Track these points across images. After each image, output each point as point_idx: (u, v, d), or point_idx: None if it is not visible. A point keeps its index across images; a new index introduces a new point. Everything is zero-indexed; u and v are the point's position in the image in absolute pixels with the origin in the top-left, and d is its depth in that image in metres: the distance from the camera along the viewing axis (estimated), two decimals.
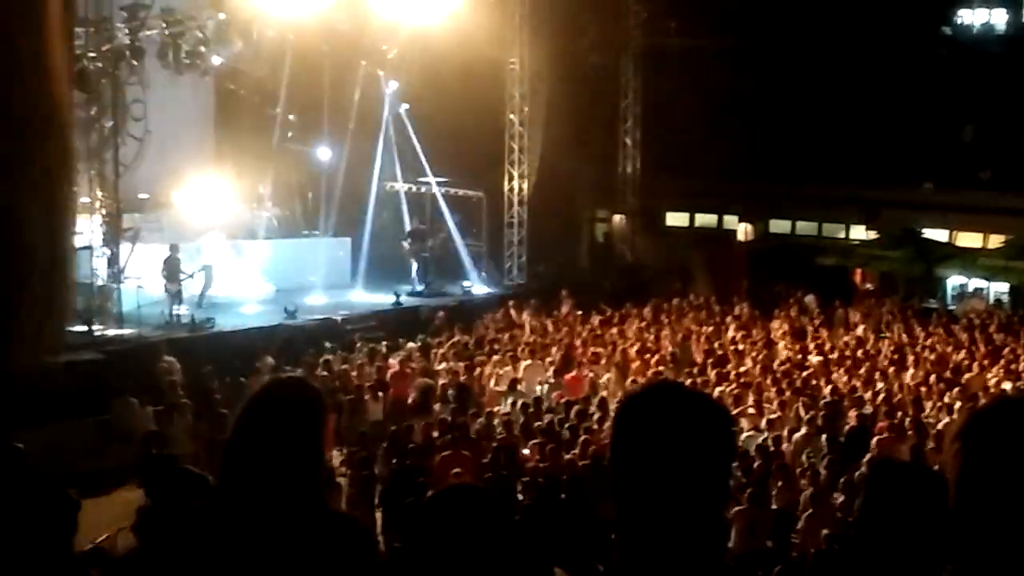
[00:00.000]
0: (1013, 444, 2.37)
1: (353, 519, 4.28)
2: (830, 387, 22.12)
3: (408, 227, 34.24)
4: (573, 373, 23.48)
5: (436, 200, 35.54)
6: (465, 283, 34.07)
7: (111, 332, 25.33)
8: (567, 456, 17.01)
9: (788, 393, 21.50)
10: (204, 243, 29.71)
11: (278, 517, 3.88)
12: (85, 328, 25.08)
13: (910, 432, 18.53)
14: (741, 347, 26.70)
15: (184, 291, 27.24)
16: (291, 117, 33.31)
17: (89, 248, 26.34)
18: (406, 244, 33.74)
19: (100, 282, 26.05)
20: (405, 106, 33.76)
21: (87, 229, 26.40)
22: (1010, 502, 2.35)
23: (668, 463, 2.86)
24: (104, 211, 26.27)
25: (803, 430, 18.89)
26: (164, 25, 28.37)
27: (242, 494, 3.93)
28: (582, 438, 17.84)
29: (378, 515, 15.18)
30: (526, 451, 17.78)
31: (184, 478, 6.54)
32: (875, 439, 18.47)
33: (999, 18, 44.51)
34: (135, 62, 27.87)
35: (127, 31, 27.23)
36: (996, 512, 2.36)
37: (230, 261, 30.53)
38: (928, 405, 21.26)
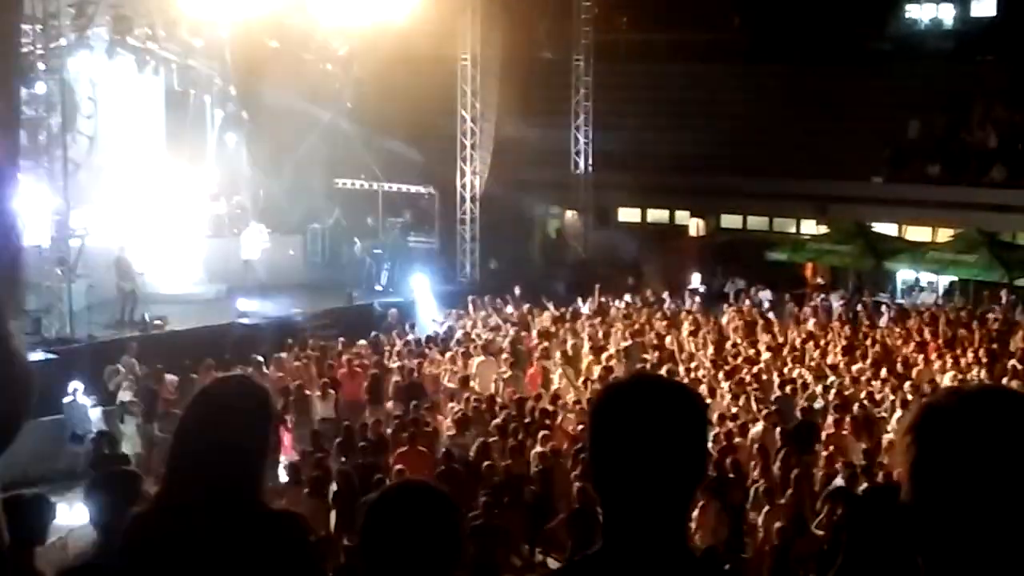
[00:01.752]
0: (966, 437, 2.40)
1: (295, 515, 4.27)
2: (781, 381, 22.28)
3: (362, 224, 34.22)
4: (532, 370, 23.54)
5: (387, 198, 35.48)
6: (417, 280, 34.01)
7: (61, 332, 25.15)
8: (534, 451, 17.08)
9: (739, 388, 21.61)
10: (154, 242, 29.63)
11: (218, 517, 3.87)
12: (35, 328, 24.90)
13: (862, 427, 18.66)
14: (693, 342, 26.82)
15: (136, 290, 27.07)
16: (243, 114, 33.17)
17: (39, 247, 26.12)
18: (358, 242, 33.68)
19: (49, 282, 25.83)
20: (352, 102, 33.66)
21: (37, 228, 26.19)
22: (965, 494, 2.37)
23: (649, 451, 2.90)
24: (54, 209, 26.05)
25: (756, 424, 19.01)
26: (112, 21, 28.17)
27: (185, 493, 3.92)
28: (541, 434, 17.88)
29: (332, 513, 15.14)
30: (480, 448, 17.77)
31: (122, 479, 6.51)
32: (825, 434, 18.61)
33: (947, 13, 44.91)
34: (84, 59, 27.67)
35: (75, 28, 27.03)
36: (952, 504, 2.38)
37: (180, 259, 30.39)
38: (878, 398, 21.41)
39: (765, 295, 32.96)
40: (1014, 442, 2.37)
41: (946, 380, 22.50)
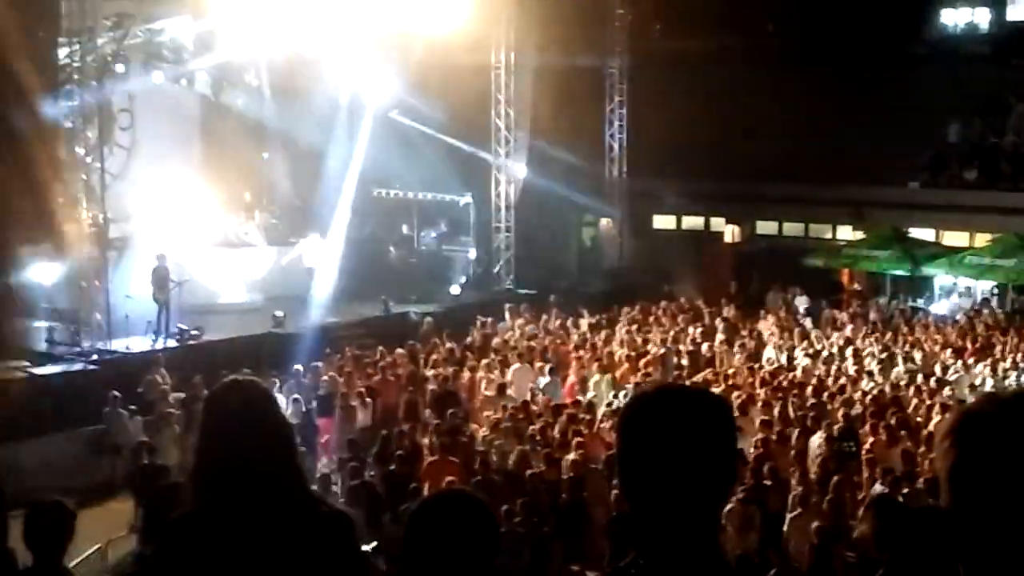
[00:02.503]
0: (1005, 441, 2.41)
1: (342, 512, 4.32)
2: (818, 387, 22.22)
3: (396, 233, 34.33)
4: (570, 379, 23.56)
5: (423, 207, 35.58)
6: (454, 289, 34.07)
7: (99, 343, 25.30)
8: (566, 459, 17.08)
9: (777, 394, 21.57)
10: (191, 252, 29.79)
11: (263, 513, 3.92)
12: (73, 339, 25.07)
13: (900, 433, 18.57)
14: (729, 349, 26.77)
15: (172, 300, 27.20)
16: (280, 124, 33.32)
17: (78, 258, 26.32)
18: (393, 250, 33.78)
19: (88, 293, 26.00)
20: (391, 111, 33.76)
21: (77, 239, 26.38)
22: (1003, 499, 2.38)
23: (679, 460, 2.93)
24: (91, 221, 26.23)
25: (792, 431, 18.96)
26: (148, 34, 28.39)
27: (215, 496, 3.97)
28: (575, 441, 17.89)
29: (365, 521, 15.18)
30: (518, 456, 17.78)
31: (172, 488, 6.59)
32: (867, 442, 18.52)
33: (982, 17, 44.66)
34: (120, 71, 27.88)
35: (112, 40, 27.24)
36: (992, 509, 2.39)
37: (218, 270, 30.56)
38: (916, 403, 21.32)
39: (802, 301, 32.84)
40: None
41: (986, 385, 22.44)
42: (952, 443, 2.49)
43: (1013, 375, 23.40)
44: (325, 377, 23.25)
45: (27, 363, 23.60)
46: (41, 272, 26.26)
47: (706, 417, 3.01)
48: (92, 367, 23.72)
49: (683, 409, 3.00)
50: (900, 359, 25.11)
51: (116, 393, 21.71)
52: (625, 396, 21.47)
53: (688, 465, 2.93)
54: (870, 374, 23.80)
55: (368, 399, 22.11)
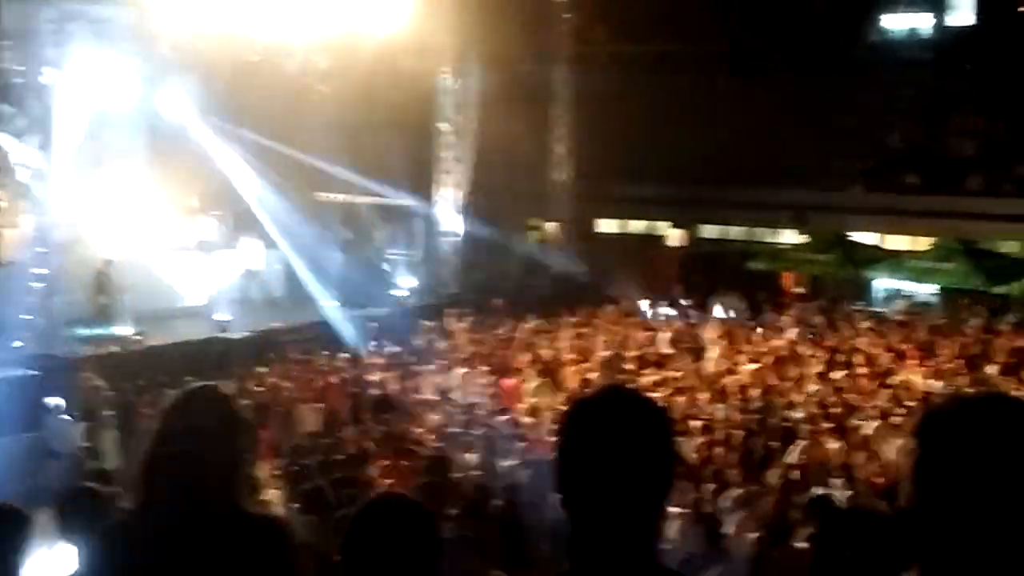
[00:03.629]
0: (968, 442, 2.45)
1: (275, 519, 4.32)
2: (761, 390, 22.35)
3: (342, 238, 34.24)
4: (511, 381, 23.56)
5: (368, 211, 35.49)
6: (398, 293, 33.98)
7: (40, 348, 25.07)
8: (508, 463, 17.10)
9: (719, 398, 21.68)
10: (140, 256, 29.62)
11: (194, 524, 3.91)
12: (16, 344, 24.84)
13: (842, 435, 18.71)
14: (674, 352, 26.86)
15: (115, 305, 27.00)
16: (225, 129, 33.14)
17: (20, 262, 26.11)
18: (339, 255, 33.68)
19: (30, 297, 25.78)
20: (335, 115, 33.64)
21: (19, 243, 26.18)
22: (966, 500, 2.42)
23: (616, 463, 2.93)
24: (36, 225, 26.01)
25: (737, 433, 19.05)
26: (93, 37, 28.12)
27: (159, 503, 3.97)
28: (517, 446, 17.91)
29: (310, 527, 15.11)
30: (462, 460, 17.77)
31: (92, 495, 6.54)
32: (805, 442, 18.66)
33: (924, 23, 45.07)
34: (64, 75, 27.62)
35: (55, 44, 26.99)
36: (954, 509, 2.43)
37: (163, 273, 30.40)
38: (857, 406, 21.48)
39: (732, 303, 32.82)
40: (1013, 447, 2.43)
41: (926, 387, 22.65)
42: (916, 442, 2.53)
43: (954, 378, 23.57)
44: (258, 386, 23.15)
45: None
46: None
47: (644, 423, 3.02)
48: (31, 372, 23.50)
49: (621, 415, 3.01)
50: (842, 362, 25.27)
51: (56, 399, 21.52)
52: (563, 401, 21.57)
53: (624, 470, 2.93)
54: (814, 377, 23.92)
55: (314, 404, 22.05)
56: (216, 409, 4.10)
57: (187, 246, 31.89)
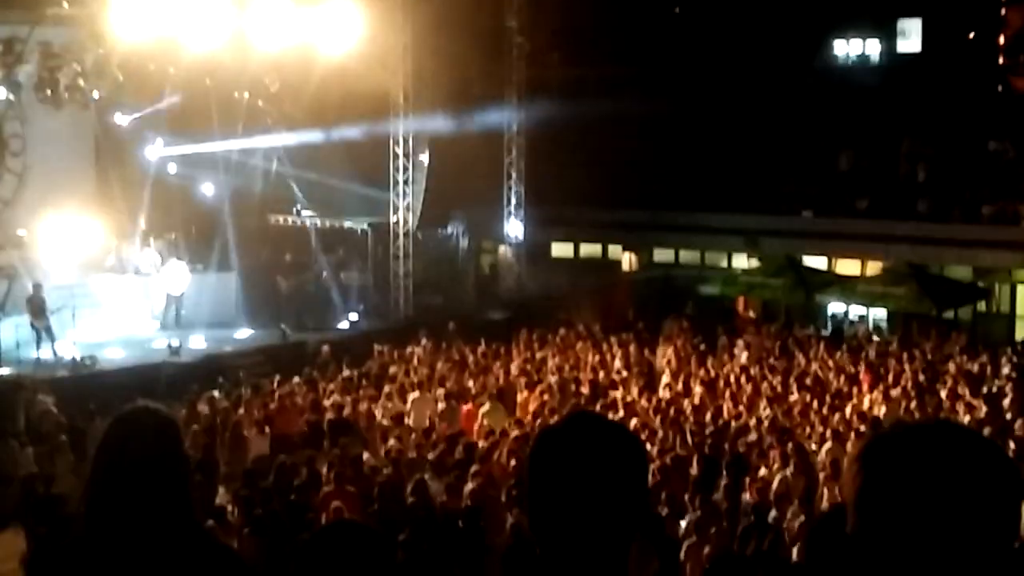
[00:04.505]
0: (911, 468, 2.44)
1: (223, 546, 4.28)
2: (714, 414, 22.41)
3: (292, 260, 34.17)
4: (468, 406, 23.50)
5: (320, 234, 35.42)
6: (351, 316, 33.89)
7: None
8: (466, 488, 17.03)
9: (672, 422, 21.71)
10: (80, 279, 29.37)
11: (149, 546, 3.88)
12: None
13: (794, 459, 18.77)
14: (626, 376, 26.90)
15: (52, 328, 26.72)
16: (175, 151, 33.02)
17: None
18: (285, 279, 33.58)
19: None
20: (288, 138, 33.58)
21: None
22: (908, 525, 2.41)
23: (587, 493, 2.89)
24: None
25: (690, 457, 19.09)
26: (41, 59, 27.95)
27: (109, 527, 3.93)
28: (473, 469, 17.85)
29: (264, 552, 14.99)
30: (416, 483, 17.70)
31: (66, 519, 6.49)
32: (759, 466, 18.73)
33: (873, 48, 45.56)
34: (12, 97, 27.44)
35: (2, 65, 26.82)
36: (896, 534, 2.42)
37: (113, 297, 30.18)
38: (810, 430, 21.59)
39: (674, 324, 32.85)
40: (958, 475, 2.42)
41: (875, 410, 22.79)
42: (859, 468, 2.52)
43: (905, 402, 23.73)
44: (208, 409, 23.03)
45: None
46: None
47: (617, 451, 2.99)
48: None
49: (594, 442, 2.98)
50: (794, 386, 25.37)
51: (5, 423, 21.31)
52: (518, 425, 21.59)
53: (597, 500, 2.90)
54: (766, 401, 24.00)
55: (265, 428, 21.94)
56: (152, 431, 4.07)
57: (138, 269, 31.59)
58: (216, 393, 24.29)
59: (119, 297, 30.57)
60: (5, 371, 25.00)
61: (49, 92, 28.42)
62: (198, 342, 29.19)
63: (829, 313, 37.24)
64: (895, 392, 24.52)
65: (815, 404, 23.49)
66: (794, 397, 24.38)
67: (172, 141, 32.77)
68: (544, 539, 2.97)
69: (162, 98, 31.15)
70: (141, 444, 3.97)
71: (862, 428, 20.65)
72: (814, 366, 27.76)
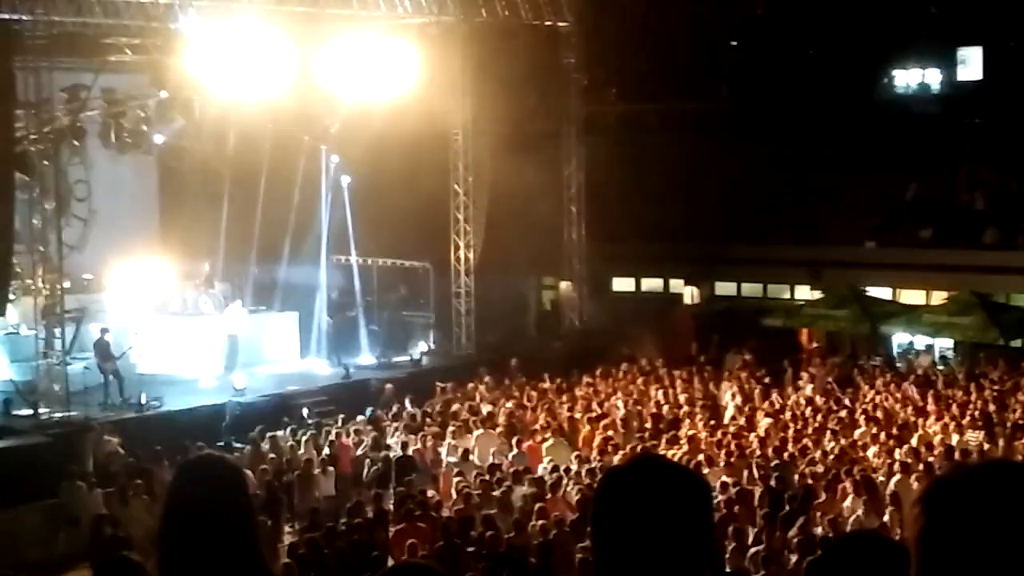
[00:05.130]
0: (971, 510, 2.43)
1: None
2: (779, 447, 22.26)
3: (352, 300, 34.36)
4: (529, 442, 23.47)
5: (382, 272, 35.57)
6: (414, 354, 33.99)
7: (57, 414, 25.06)
8: (534, 524, 17.04)
9: (737, 455, 21.59)
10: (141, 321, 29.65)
11: None
12: (31, 411, 24.86)
13: (862, 491, 18.60)
14: (690, 410, 26.77)
15: (119, 370, 26.97)
16: (236, 193, 33.30)
17: (34, 330, 26.22)
18: (351, 316, 33.79)
19: (45, 365, 25.84)
20: (347, 179, 33.77)
21: (32, 311, 26.29)
22: (971, 567, 2.40)
23: (653, 536, 2.90)
24: (48, 293, 26.12)
25: (755, 491, 18.98)
26: (105, 105, 28.34)
27: (180, 571, 3.97)
28: (537, 507, 17.84)
29: None
30: (483, 521, 17.70)
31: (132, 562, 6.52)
32: (825, 499, 18.58)
33: (933, 78, 45.31)
34: (76, 143, 27.84)
35: (68, 112, 27.19)
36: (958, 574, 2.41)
37: (176, 339, 30.45)
38: (877, 462, 21.38)
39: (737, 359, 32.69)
40: (1018, 516, 2.41)
41: (943, 442, 22.54)
42: (921, 510, 2.52)
43: (972, 432, 23.47)
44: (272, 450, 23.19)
45: None
46: None
47: (683, 495, 2.99)
48: (49, 439, 23.47)
49: (660, 486, 2.98)
50: (860, 417, 25.17)
51: (74, 466, 21.54)
52: (582, 460, 21.57)
53: (663, 543, 2.90)
54: (832, 433, 23.80)
55: (330, 467, 22.04)
56: (219, 476, 4.11)
57: (202, 311, 31.85)
58: (280, 433, 24.42)
59: (184, 339, 30.84)
60: (73, 413, 25.21)
61: (113, 138, 28.81)
62: (261, 382, 29.37)
63: (894, 344, 36.86)
64: (962, 423, 24.25)
65: (881, 436, 23.26)
66: (860, 429, 24.17)
67: (233, 184, 33.03)
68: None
69: (223, 141, 31.44)
70: (207, 492, 4.01)
71: (930, 459, 20.46)
72: (880, 397, 27.50)
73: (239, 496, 4.12)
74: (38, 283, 26.53)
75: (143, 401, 26.37)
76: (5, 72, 24.27)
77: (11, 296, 25.84)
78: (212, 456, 4.39)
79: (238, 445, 23.36)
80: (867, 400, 27.25)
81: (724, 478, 19.80)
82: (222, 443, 22.67)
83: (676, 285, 41.94)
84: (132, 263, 30.74)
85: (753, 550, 15.90)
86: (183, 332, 31.01)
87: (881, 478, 20.00)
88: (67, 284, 26.95)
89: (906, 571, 2.60)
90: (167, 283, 31.68)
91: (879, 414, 25.44)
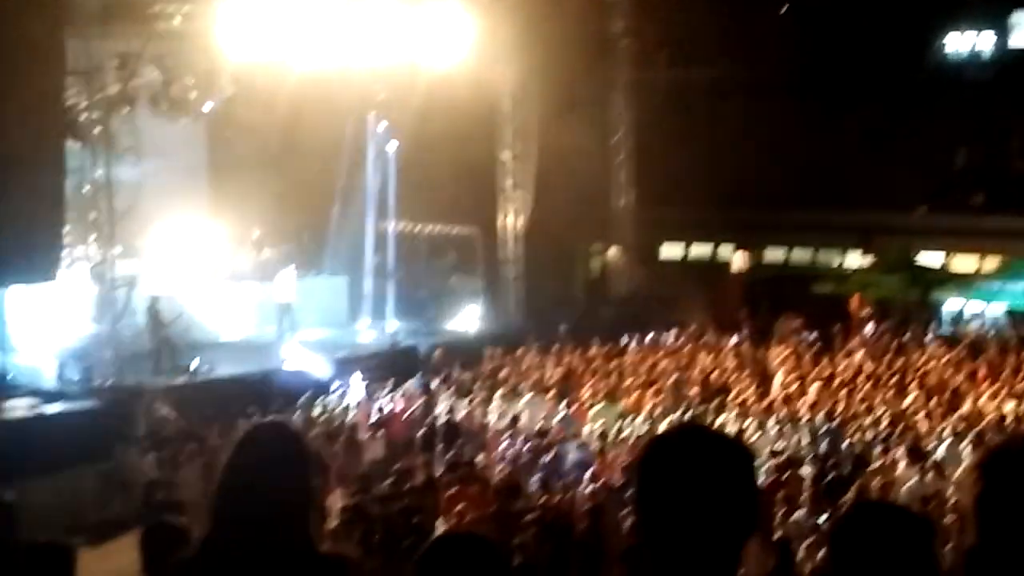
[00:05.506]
0: None
1: (342, 558, 4.31)
2: (829, 414, 22.15)
3: (400, 266, 34.43)
4: (575, 408, 23.48)
5: (430, 239, 35.63)
6: (463, 321, 34.08)
7: (110, 380, 25.27)
8: (583, 489, 17.08)
9: (788, 421, 21.53)
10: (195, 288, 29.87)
11: (264, 560, 3.92)
12: (84, 377, 25.06)
13: (913, 457, 18.52)
14: (739, 376, 26.69)
15: (170, 336, 27.15)
16: (285, 159, 33.38)
17: (86, 297, 26.43)
18: (400, 282, 33.88)
19: (97, 331, 26.06)
20: (394, 145, 33.78)
21: (83, 278, 26.49)
22: None
23: (695, 504, 2.89)
24: (99, 259, 26.32)
25: (805, 457, 18.93)
26: (155, 72, 28.44)
27: (229, 538, 3.98)
28: (588, 471, 17.88)
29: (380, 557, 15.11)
30: (532, 486, 17.76)
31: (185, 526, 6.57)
32: (877, 466, 18.50)
33: (986, 43, 44.78)
34: (127, 110, 27.94)
35: (118, 80, 27.31)
36: (1016, 542, 2.41)
37: (226, 304, 30.64)
38: (927, 429, 21.26)
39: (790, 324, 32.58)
40: None
41: (997, 409, 22.37)
42: (979, 476, 2.52)
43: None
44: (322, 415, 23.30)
45: (38, 400, 23.59)
46: (51, 309, 26.39)
47: (727, 463, 2.98)
48: (102, 404, 23.68)
49: (704, 454, 2.97)
50: (912, 384, 25.02)
51: (126, 430, 21.72)
52: (630, 425, 21.54)
53: (707, 512, 2.90)
54: (882, 399, 23.69)
55: (380, 432, 22.12)
56: (284, 444, 4.12)
57: (251, 276, 32.00)
58: (330, 398, 24.53)
59: (234, 304, 31.03)
60: (125, 379, 25.43)
61: (163, 105, 28.91)
62: (311, 348, 29.50)
63: (945, 310, 36.64)
64: (1015, 389, 24.07)
65: (932, 403, 23.12)
66: (911, 395, 24.03)
67: (283, 149, 33.10)
68: (654, 547, 2.97)
69: (272, 108, 31.49)
70: (268, 460, 4.02)
71: (981, 426, 20.33)
72: (931, 364, 27.34)
73: (301, 464, 4.12)
74: (90, 250, 26.75)
75: (194, 367, 26.57)
76: (56, 41, 24.31)
77: (63, 263, 25.99)
78: (275, 423, 4.39)
79: (288, 411, 23.47)
80: (918, 367, 27.09)
81: (774, 445, 19.76)
82: (272, 409, 22.75)
83: (725, 251, 41.82)
84: (183, 229, 30.90)
85: (801, 515, 15.87)
86: (234, 297, 31.19)
87: (932, 445, 19.90)
88: (118, 250, 27.12)
89: (931, 543, 2.61)
90: (217, 249, 31.85)
91: (930, 380, 25.29)
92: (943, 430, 20.58)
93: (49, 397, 24.04)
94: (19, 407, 23.03)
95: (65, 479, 20.82)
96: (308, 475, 4.13)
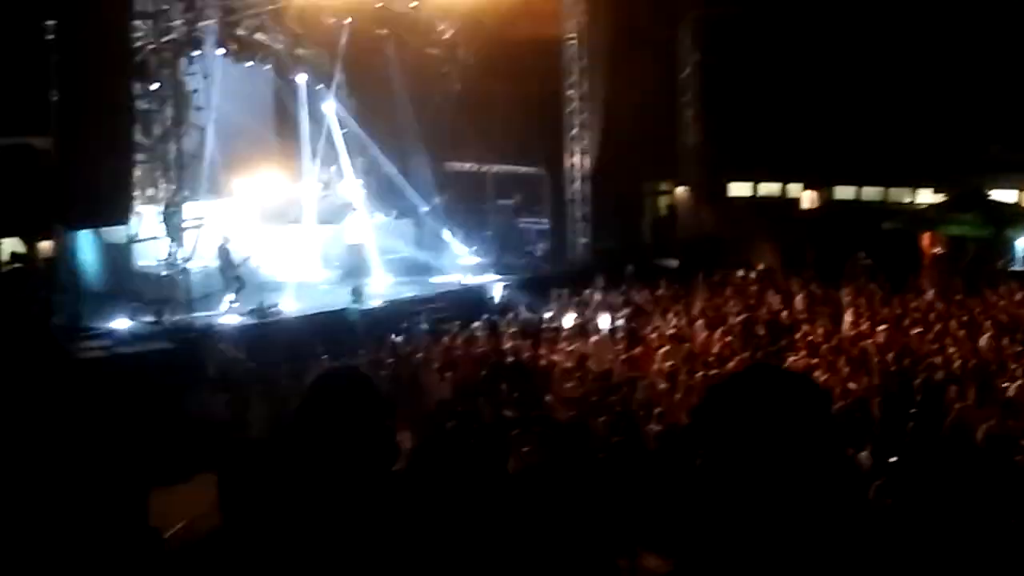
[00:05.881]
0: None
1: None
2: (900, 354, 21.94)
3: (467, 206, 34.48)
4: (648, 349, 23.41)
5: (497, 179, 35.58)
6: (530, 261, 34.06)
7: (180, 322, 25.51)
8: (651, 428, 17.05)
9: (857, 361, 21.34)
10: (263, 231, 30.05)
11: (342, 497, 3.95)
12: (155, 318, 25.32)
13: (986, 396, 18.34)
14: (808, 316, 26.48)
15: (240, 277, 27.33)
16: (353, 101, 33.41)
17: (155, 238, 26.66)
18: (467, 223, 33.92)
19: (168, 272, 26.30)
20: (458, 86, 33.71)
21: (154, 219, 26.73)
22: None
23: (771, 448, 2.83)
24: (169, 201, 26.52)
25: (876, 397, 18.77)
26: (221, 14, 28.50)
27: (307, 477, 4.01)
28: (655, 411, 17.83)
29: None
30: (599, 427, 17.74)
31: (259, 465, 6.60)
32: (950, 406, 18.31)
33: None
34: (194, 52, 28.04)
35: (185, 21, 27.39)
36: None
37: (295, 246, 30.78)
38: (1000, 368, 21.00)
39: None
40: None
41: None
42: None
43: None
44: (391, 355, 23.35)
45: (109, 342, 23.87)
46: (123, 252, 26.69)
47: (803, 403, 2.91)
48: (173, 345, 23.91)
49: (779, 394, 2.91)
50: (984, 323, 24.72)
51: (199, 371, 21.92)
52: (699, 366, 21.44)
53: (783, 454, 2.83)
54: (954, 339, 23.41)
55: (447, 373, 22.16)
56: (357, 391, 4.13)
57: (317, 218, 32.10)
58: (398, 339, 24.61)
59: (303, 246, 31.15)
60: (196, 320, 25.67)
61: (229, 46, 28.99)
62: (379, 289, 29.60)
63: (1019, 249, 36.12)
64: None
65: (1006, 341, 22.82)
66: (984, 335, 23.73)
67: (349, 92, 33.11)
68: (722, 487, 2.91)
69: (338, 49, 31.46)
70: (340, 406, 4.03)
71: None
72: (1004, 303, 26.99)
73: (371, 405, 4.13)
74: (159, 192, 26.95)
75: (263, 308, 26.73)
76: None
77: (134, 205, 26.22)
78: (347, 369, 4.43)
79: (358, 352, 23.57)
80: (990, 306, 26.76)
81: (844, 384, 19.60)
82: (342, 350, 22.86)
83: (794, 189, 41.41)
84: (251, 170, 31.03)
85: (866, 455, 15.77)
86: (303, 239, 31.32)
87: (1004, 384, 19.66)
88: (187, 192, 27.30)
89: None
90: (287, 190, 31.98)
91: (1003, 319, 24.97)
92: (1016, 369, 20.33)
93: (122, 338, 24.33)
94: (93, 348, 23.33)
95: (138, 420, 21.06)
96: (377, 419, 4.15)
